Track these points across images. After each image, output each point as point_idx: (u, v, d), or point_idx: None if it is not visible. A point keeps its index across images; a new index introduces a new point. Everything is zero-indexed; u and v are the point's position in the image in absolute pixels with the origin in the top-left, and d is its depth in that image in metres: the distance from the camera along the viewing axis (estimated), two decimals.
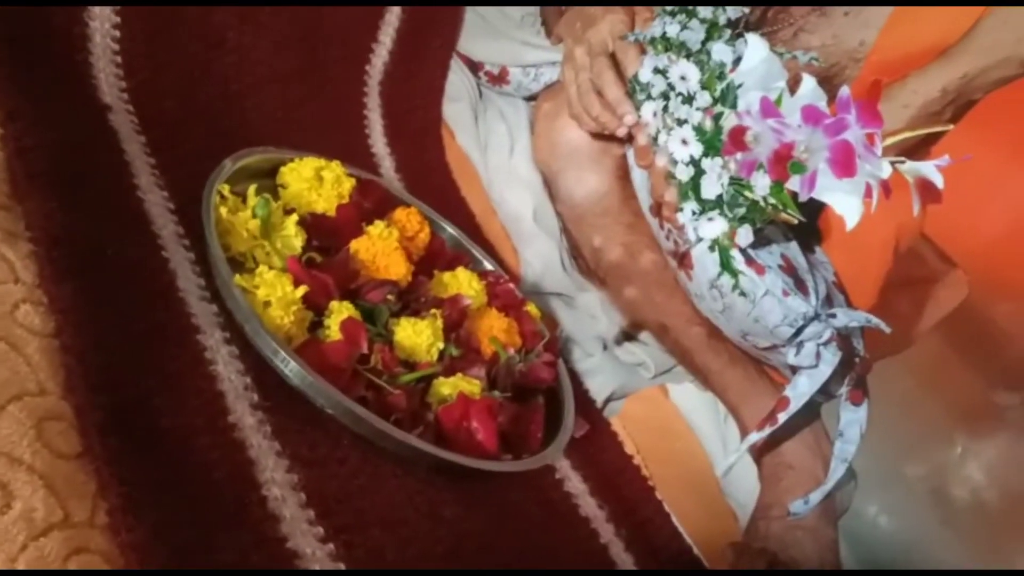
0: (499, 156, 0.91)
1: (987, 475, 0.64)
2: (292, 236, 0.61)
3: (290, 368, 0.54)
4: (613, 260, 0.79)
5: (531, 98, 0.93)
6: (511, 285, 0.76)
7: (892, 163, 0.64)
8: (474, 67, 0.97)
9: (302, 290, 0.55)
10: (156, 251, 0.59)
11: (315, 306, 0.57)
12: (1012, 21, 0.60)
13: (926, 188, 0.62)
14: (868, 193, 0.65)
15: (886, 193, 0.63)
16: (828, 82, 0.68)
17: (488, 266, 0.81)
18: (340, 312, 0.56)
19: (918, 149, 0.63)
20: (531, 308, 0.76)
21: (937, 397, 0.61)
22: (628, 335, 0.80)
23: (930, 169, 0.62)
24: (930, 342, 0.61)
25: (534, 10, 0.95)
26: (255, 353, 0.55)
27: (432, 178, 0.93)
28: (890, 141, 0.64)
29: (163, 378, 0.52)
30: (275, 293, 0.53)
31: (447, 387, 0.61)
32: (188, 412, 0.52)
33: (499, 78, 0.95)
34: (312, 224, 0.66)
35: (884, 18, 0.67)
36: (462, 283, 0.71)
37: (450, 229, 0.81)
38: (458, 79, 0.98)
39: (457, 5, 1.00)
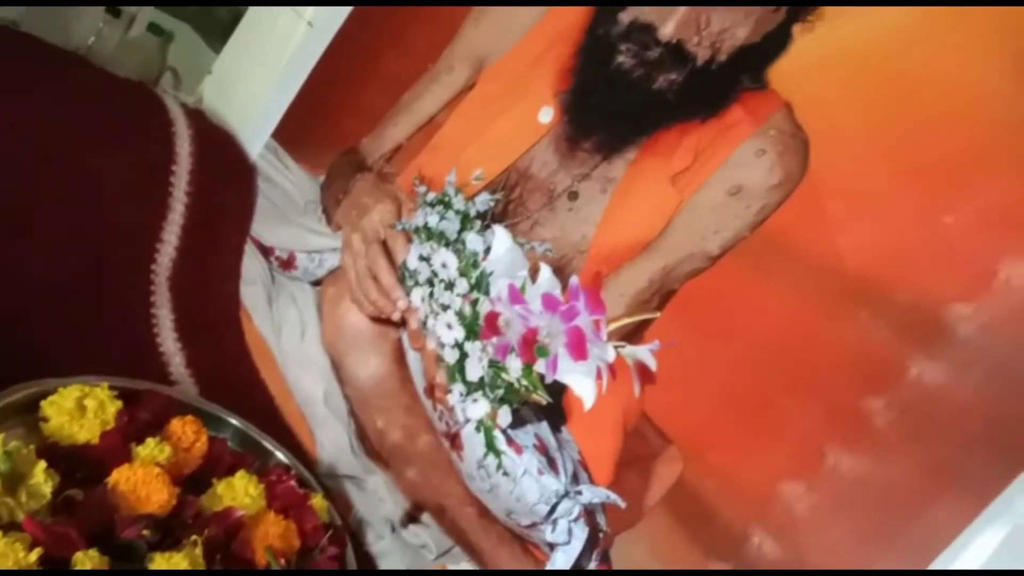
0: (292, 340, 0.95)
1: None
2: (41, 484, 0.61)
3: None
4: (394, 442, 0.83)
5: (317, 283, 0.97)
6: (292, 482, 0.78)
7: (616, 347, 0.72)
8: (265, 251, 1.01)
9: (36, 553, 0.55)
10: None
11: (59, 561, 0.57)
12: (695, 222, 0.70)
13: (643, 370, 0.69)
14: (599, 375, 0.72)
15: (613, 375, 0.70)
16: (561, 271, 0.76)
17: (280, 456, 0.83)
18: (84, 563, 0.57)
19: (634, 335, 0.71)
20: (316, 501, 0.78)
21: (667, 567, 0.67)
22: (412, 517, 0.83)
23: (644, 353, 0.70)
24: (658, 515, 0.67)
25: (316, 198, 1.00)
26: None
27: (229, 366, 0.95)
28: (612, 327, 0.72)
29: None
30: (5, 563, 0.53)
31: None
32: None
33: (287, 263, 0.99)
34: (74, 457, 0.67)
35: (600, 214, 0.76)
36: (238, 492, 0.73)
37: (237, 423, 0.83)
38: (252, 262, 1.01)
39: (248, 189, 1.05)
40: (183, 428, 0.75)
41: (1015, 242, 0.57)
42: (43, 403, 0.70)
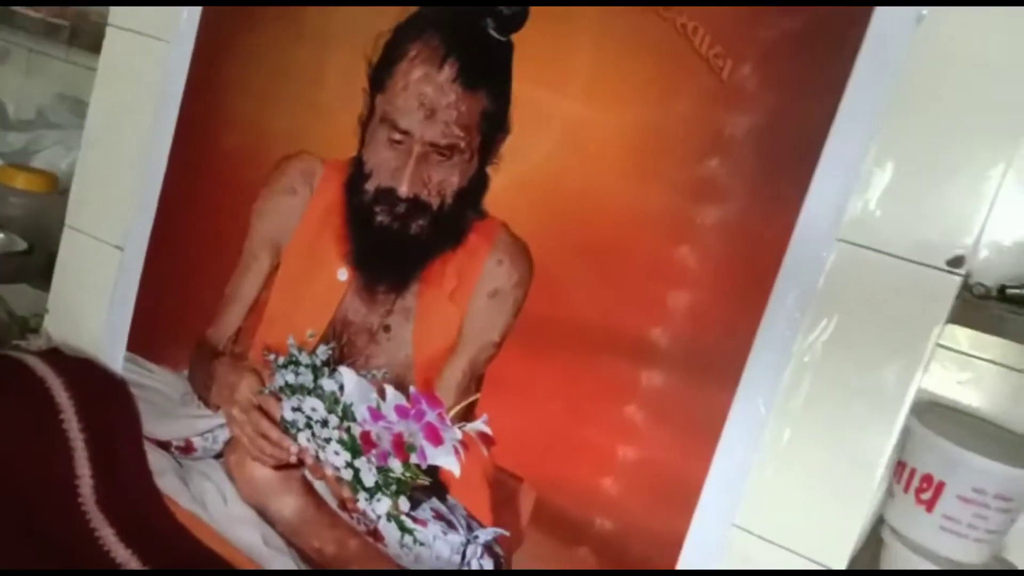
0: (218, 507, 1.15)
1: None
2: None
3: None
4: (331, 553, 1.06)
5: (219, 455, 1.18)
6: None
7: (460, 427, 0.98)
8: (164, 445, 1.20)
9: None
10: None
11: None
12: (476, 323, 0.96)
13: (484, 437, 0.96)
14: (456, 451, 0.98)
15: (466, 448, 0.97)
16: (400, 386, 1.01)
17: None
18: None
19: (468, 414, 0.98)
20: None
21: (551, 567, 0.95)
22: None
23: (480, 425, 0.97)
24: (531, 532, 0.95)
25: (188, 389, 1.20)
26: None
27: (176, 549, 1.14)
28: (451, 414, 0.98)
29: None
30: None
31: None
32: None
33: (186, 449, 1.19)
34: None
35: (410, 337, 1.02)
36: None
37: None
38: (157, 458, 1.20)
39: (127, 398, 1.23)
40: None
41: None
42: None
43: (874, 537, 0.96)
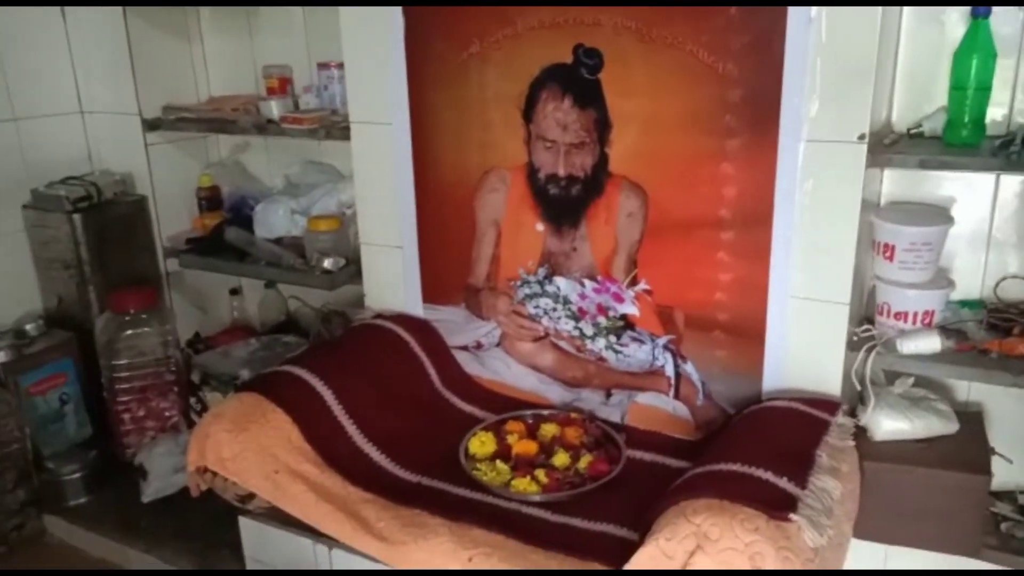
0: (506, 372, 2.02)
1: None
2: None
3: None
4: (579, 377, 1.92)
5: (497, 344, 2.03)
6: None
7: (632, 290, 1.80)
8: (463, 348, 2.07)
9: None
10: None
11: None
12: (625, 229, 1.75)
13: (645, 292, 1.78)
14: (634, 303, 1.80)
15: (638, 299, 1.79)
16: (592, 277, 1.83)
17: None
18: None
19: (634, 281, 1.79)
20: None
21: None
22: None
23: (642, 286, 1.77)
24: (687, 335, 1.78)
25: (469, 314, 2.06)
26: None
27: (483, 399, 2.02)
28: (624, 283, 1.79)
29: None
30: None
31: None
32: None
33: (478, 346, 2.05)
34: None
35: (589, 250, 1.83)
36: None
37: None
38: (462, 355, 2.07)
39: None
40: None
41: None
42: None
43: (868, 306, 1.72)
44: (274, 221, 2.34)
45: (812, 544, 1.25)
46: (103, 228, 2.43)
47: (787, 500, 1.31)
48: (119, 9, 2.35)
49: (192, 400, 2.31)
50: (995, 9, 1.52)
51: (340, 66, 2.20)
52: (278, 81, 2.43)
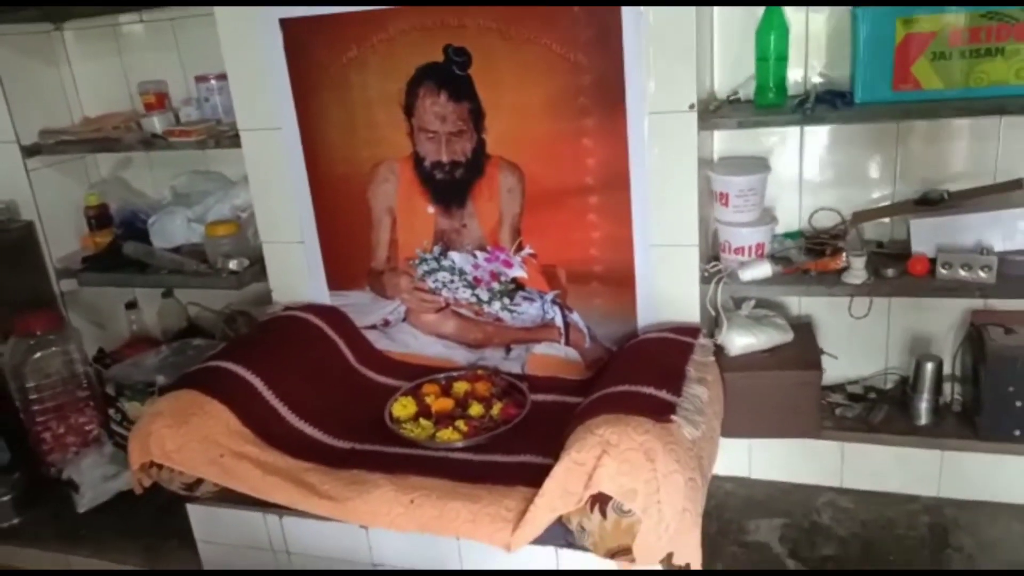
0: (413, 343, 2.25)
1: None
2: None
3: None
4: (480, 338, 2.17)
5: (403, 320, 2.25)
6: None
7: (518, 255, 2.06)
8: (372, 327, 2.27)
9: None
10: None
11: None
12: (507, 203, 2.01)
13: (531, 256, 2.05)
14: (521, 266, 2.07)
15: (525, 263, 2.06)
16: (483, 248, 2.08)
17: None
18: None
19: (520, 248, 2.05)
20: None
21: None
22: None
23: (527, 251, 2.04)
24: (570, 288, 2.06)
25: (374, 296, 2.26)
26: None
27: (394, 369, 2.24)
28: (512, 251, 2.05)
29: None
30: None
31: None
32: None
33: (385, 324, 2.26)
34: None
35: (478, 225, 2.07)
36: None
37: None
38: (371, 333, 2.27)
39: None
40: None
41: None
42: None
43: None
44: (171, 231, 2.45)
45: (690, 437, 1.57)
46: None
47: (667, 406, 1.62)
48: None
49: (111, 411, 2.39)
50: None
51: (219, 77, 2.33)
52: (155, 96, 2.52)
